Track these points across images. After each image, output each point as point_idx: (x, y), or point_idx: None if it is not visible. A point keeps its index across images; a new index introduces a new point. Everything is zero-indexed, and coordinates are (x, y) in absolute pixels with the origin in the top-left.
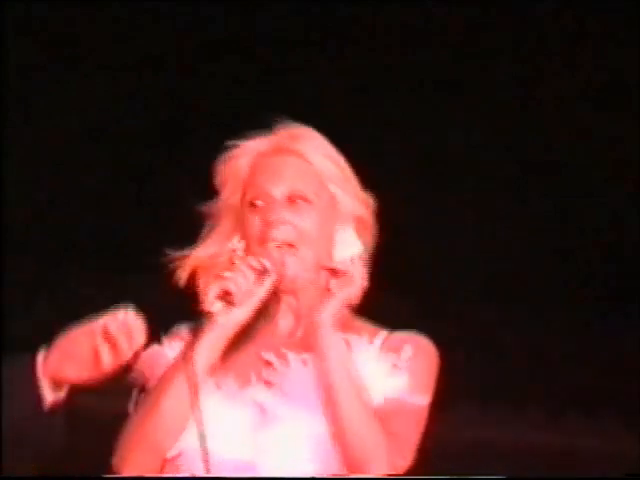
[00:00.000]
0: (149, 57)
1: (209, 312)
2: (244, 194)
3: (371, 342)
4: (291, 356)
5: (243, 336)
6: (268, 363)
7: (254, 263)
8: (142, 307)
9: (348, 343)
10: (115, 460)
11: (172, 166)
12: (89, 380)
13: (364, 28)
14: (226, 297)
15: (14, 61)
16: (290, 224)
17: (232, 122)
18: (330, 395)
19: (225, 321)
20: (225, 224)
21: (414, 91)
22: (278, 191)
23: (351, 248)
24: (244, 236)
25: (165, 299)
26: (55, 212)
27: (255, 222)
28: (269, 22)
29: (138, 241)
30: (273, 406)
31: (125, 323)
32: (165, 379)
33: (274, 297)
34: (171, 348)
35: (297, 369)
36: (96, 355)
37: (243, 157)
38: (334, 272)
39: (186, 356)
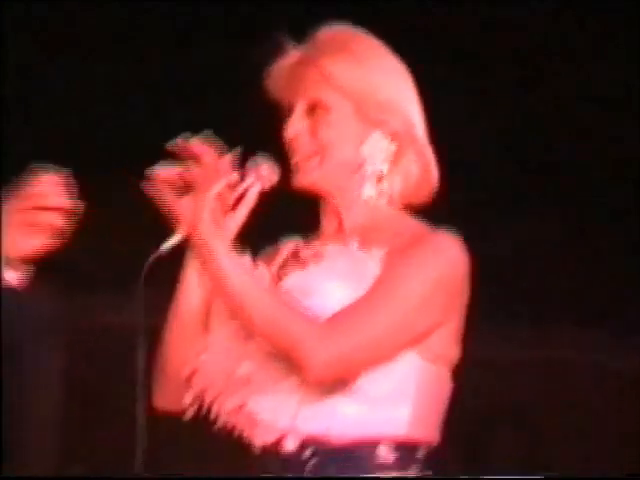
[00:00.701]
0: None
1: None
2: (276, 102)
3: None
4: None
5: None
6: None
7: (233, 178)
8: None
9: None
10: (153, 400)
11: None
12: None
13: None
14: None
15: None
16: (309, 134)
17: None
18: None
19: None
20: None
21: None
22: (299, 99)
23: (381, 152)
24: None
25: None
26: None
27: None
28: None
29: None
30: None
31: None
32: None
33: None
34: None
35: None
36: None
37: (270, 77)
38: (363, 175)
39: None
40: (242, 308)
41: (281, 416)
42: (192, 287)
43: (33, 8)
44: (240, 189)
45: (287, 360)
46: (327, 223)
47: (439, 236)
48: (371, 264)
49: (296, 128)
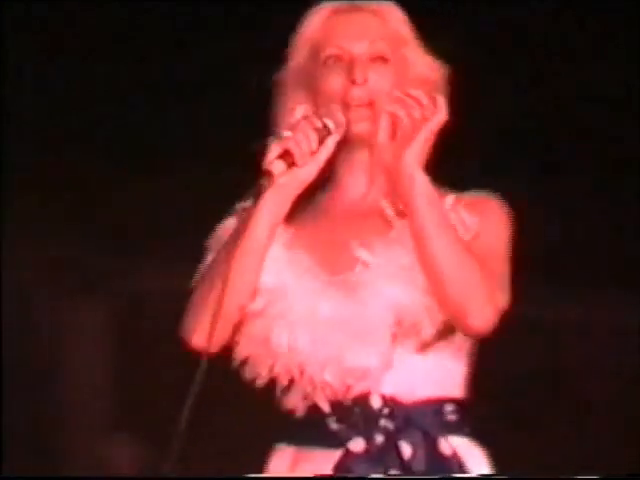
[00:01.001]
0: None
1: (269, 172)
2: (318, 52)
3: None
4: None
5: (309, 204)
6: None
7: (315, 121)
8: None
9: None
10: (184, 330)
11: None
12: None
13: None
14: (287, 157)
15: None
16: (374, 84)
17: None
18: (425, 247)
19: (287, 181)
20: (297, 92)
21: None
22: (359, 48)
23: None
24: (316, 99)
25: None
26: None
27: (334, 80)
28: None
29: None
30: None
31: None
32: (232, 244)
33: (345, 155)
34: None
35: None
36: None
37: (315, 16)
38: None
39: (251, 219)
40: (438, 249)
41: (369, 369)
42: (263, 229)
43: (33, 8)
44: (322, 135)
45: (451, 305)
46: (349, 175)
47: (494, 201)
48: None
49: (365, 74)
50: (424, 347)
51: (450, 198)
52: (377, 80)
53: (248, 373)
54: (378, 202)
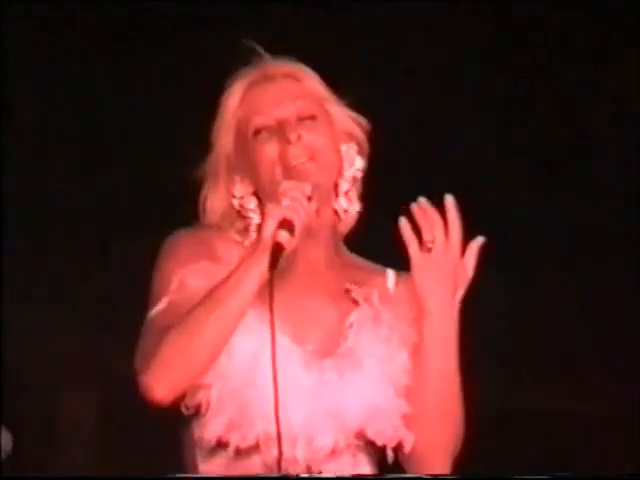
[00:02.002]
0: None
1: (279, 244)
2: (244, 130)
3: (385, 292)
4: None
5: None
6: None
7: (305, 189)
8: None
9: (368, 298)
10: (145, 377)
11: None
12: None
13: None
14: (287, 225)
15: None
16: (307, 139)
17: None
18: (427, 384)
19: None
20: (225, 175)
21: None
22: (285, 111)
23: (354, 165)
24: (254, 176)
25: None
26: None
27: (269, 148)
28: None
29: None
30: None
31: None
32: (214, 300)
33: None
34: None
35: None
36: None
37: (231, 96)
38: (337, 188)
39: (238, 280)
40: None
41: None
42: (248, 300)
43: (33, 8)
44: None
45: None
46: (315, 248)
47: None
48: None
49: (297, 133)
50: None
51: (391, 275)
52: (311, 136)
53: (207, 431)
54: (331, 278)
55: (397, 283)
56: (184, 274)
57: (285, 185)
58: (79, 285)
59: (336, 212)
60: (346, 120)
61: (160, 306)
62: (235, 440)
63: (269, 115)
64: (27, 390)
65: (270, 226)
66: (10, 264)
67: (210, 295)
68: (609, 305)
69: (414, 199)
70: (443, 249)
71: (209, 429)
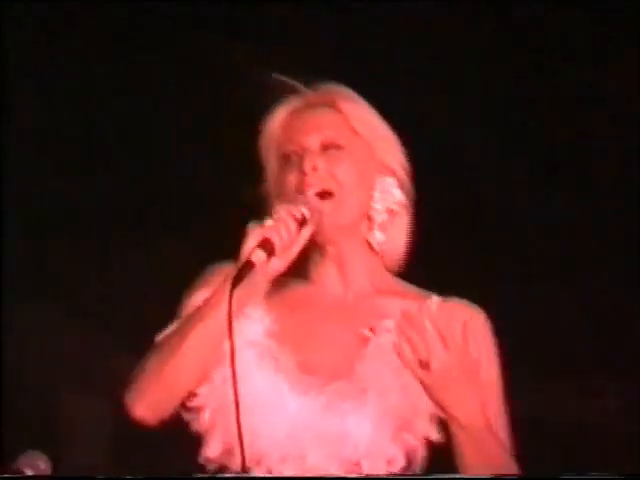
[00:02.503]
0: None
1: (250, 262)
2: (280, 153)
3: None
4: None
5: (281, 291)
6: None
7: (295, 212)
8: None
9: (407, 312)
10: (129, 398)
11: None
12: None
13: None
14: (266, 246)
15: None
16: (325, 171)
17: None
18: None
19: (263, 271)
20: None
21: None
22: (311, 140)
23: (390, 197)
24: (281, 193)
25: None
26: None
27: (290, 174)
28: None
29: None
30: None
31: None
32: (194, 319)
33: (317, 250)
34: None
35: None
36: None
37: (274, 121)
38: (371, 220)
39: (217, 300)
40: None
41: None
42: (221, 320)
43: (33, 8)
44: (300, 225)
45: None
46: (323, 270)
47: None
48: None
49: (313, 163)
50: None
51: (435, 301)
52: (331, 166)
53: (208, 453)
54: (356, 308)
55: (440, 309)
56: (194, 302)
57: (278, 207)
58: (79, 285)
59: (369, 244)
60: (388, 153)
61: (167, 330)
62: (233, 465)
63: (296, 143)
64: (27, 390)
65: (249, 244)
66: (10, 264)
67: (187, 317)
68: (609, 306)
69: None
70: (444, 356)
71: (208, 451)
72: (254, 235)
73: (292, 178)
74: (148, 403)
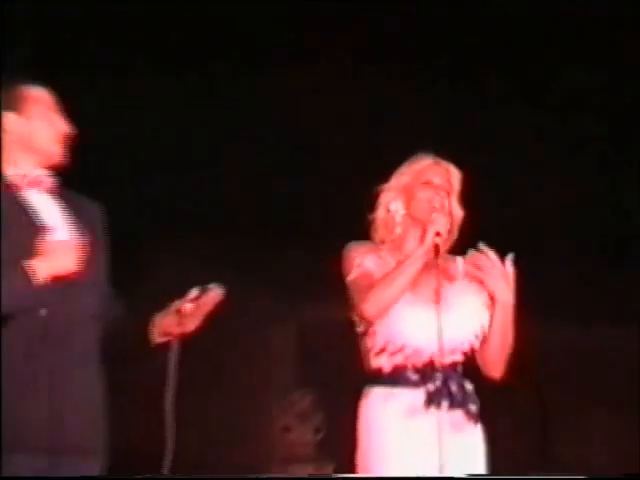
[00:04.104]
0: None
1: (436, 244)
2: (418, 179)
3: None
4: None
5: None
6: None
7: (446, 221)
8: None
9: (447, 270)
10: (363, 305)
11: None
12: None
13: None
14: (439, 235)
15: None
16: (446, 202)
17: None
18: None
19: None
20: (393, 195)
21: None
22: (440, 181)
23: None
24: (410, 201)
25: None
26: None
27: (428, 194)
28: None
29: None
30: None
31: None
32: (400, 268)
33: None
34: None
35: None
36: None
37: (418, 163)
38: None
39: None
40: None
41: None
42: (416, 271)
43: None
44: None
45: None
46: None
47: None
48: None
49: (446, 209)
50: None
51: (460, 260)
52: (448, 200)
53: (378, 341)
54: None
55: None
56: (361, 258)
57: (435, 214)
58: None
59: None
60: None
61: (353, 274)
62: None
63: (435, 180)
64: None
65: (431, 234)
66: None
67: (396, 267)
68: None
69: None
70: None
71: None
72: (433, 229)
73: (429, 196)
74: (377, 308)
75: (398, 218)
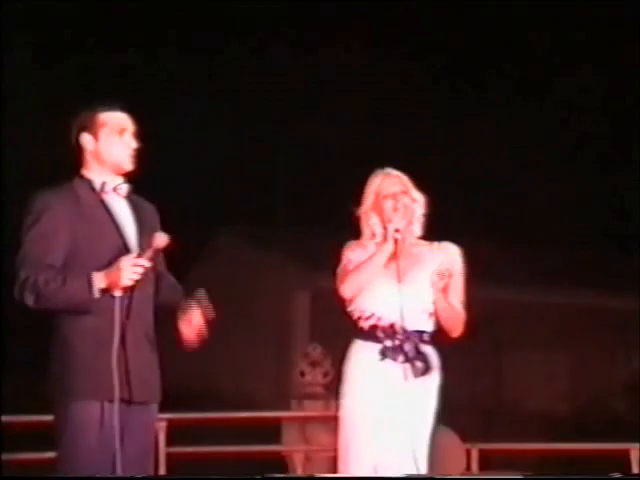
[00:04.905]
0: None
1: (395, 239)
2: (378, 196)
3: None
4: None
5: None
6: None
7: (402, 222)
8: None
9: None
10: (340, 287)
11: None
12: None
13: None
14: (398, 232)
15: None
16: (405, 203)
17: None
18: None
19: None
20: (369, 215)
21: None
22: (397, 189)
23: (417, 214)
24: (379, 212)
25: None
26: None
27: (389, 204)
28: None
29: None
30: None
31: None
32: (368, 262)
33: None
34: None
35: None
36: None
37: (376, 180)
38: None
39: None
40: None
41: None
42: (383, 262)
43: (33, 8)
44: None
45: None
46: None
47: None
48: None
49: (409, 207)
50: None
51: (426, 245)
52: (407, 201)
53: (357, 311)
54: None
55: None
56: (349, 252)
57: (392, 214)
58: None
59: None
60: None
61: (340, 265)
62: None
63: (390, 190)
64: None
65: (391, 231)
66: (10, 264)
67: (367, 259)
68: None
69: None
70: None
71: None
72: (392, 227)
73: (390, 206)
74: (351, 291)
75: (377, 230)
